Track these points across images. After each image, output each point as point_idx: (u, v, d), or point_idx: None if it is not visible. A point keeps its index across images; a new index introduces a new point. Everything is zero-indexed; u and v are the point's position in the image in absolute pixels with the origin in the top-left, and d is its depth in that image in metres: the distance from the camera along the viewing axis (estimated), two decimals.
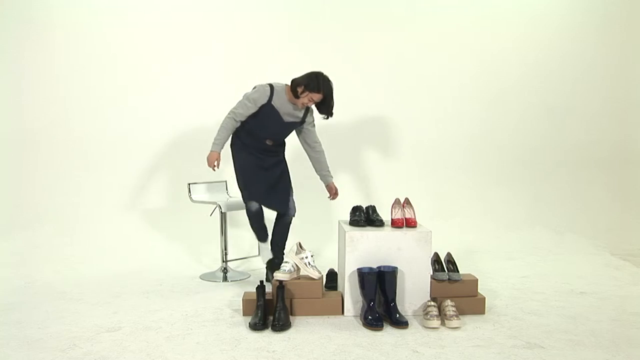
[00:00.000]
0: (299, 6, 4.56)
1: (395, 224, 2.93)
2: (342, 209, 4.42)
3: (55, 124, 4.45)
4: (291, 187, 3.43)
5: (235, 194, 3.79)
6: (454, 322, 2.61)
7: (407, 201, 3.06)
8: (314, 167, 3.43)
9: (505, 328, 2.62)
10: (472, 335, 2.52)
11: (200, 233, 4.25)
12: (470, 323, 2.69)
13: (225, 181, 4.00)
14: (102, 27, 4.44)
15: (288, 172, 3.43)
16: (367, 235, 2.83)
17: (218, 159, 3.19)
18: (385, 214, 3.18)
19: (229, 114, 3.19)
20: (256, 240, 3.79)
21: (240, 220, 4.42)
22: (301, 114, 3.27)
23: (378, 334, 2.55)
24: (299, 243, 2.99)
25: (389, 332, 2.57)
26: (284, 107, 3.20)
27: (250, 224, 3.35)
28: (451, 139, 4.75)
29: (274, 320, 2.60)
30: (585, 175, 4.84)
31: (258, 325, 2.59)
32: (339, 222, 3.16)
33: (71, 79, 4.45)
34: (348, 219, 3.11)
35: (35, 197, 4.43)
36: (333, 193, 3.44)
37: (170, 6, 4.48)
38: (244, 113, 3.17)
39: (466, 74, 4.72)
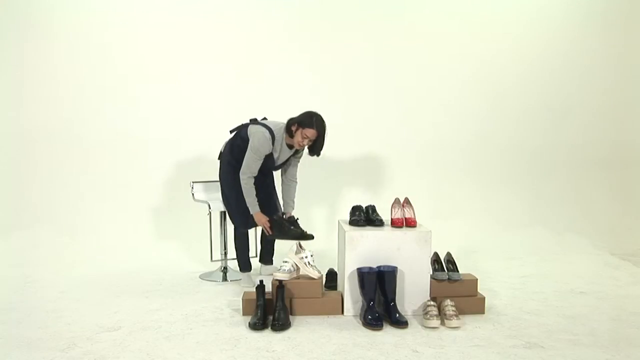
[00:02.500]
0: (298, 7, 4.56)
1: (395, 223, 2.93)
2: (342, 209, 4.42)
3: (55, 123, 4.45)
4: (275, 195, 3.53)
5: None
6: (454, 322, 2.61)
7: (407, 201, 3.06)
8: (282, 193, 3.47)
9: (505, 328, 2.62)
10: (472, 335, 2.52)
11: (201, 233, 4.24)
12: (470, 323, 2.69)
13: None
14: (102, 26, 4.44)
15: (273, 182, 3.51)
16: (367, 235, 2.83)
17: (265, 218, 3.20)
18: (385, 213, 3.18)
19: (243, 175, 3.17)
20: (256, 241, 3.80)
21: None
22: (292, 151, 3.33)
23: (378, 333, 2.55)
24: (299, 243, 2.99)
25: (388, 332, 2.57)
26: (282, 152, 3.27)
27: (236, 245, 3.44)
28: (451, 139, 4.74)
29: (273, 320, 2.61)
30: (585, 175, 4.84)
31: (258, 325, 2.59)
32: (338, 222, 3.16)
33: (71, 79, 4.45)
34: (348, 218, 3.11)
35: (35, 197, 4.43)
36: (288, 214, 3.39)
37: (170, 6, 4.48)
38: (258, 167, 3.18)
39: (466, 74, 4.72)
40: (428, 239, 2.83)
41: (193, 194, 3.77)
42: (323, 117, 3.15)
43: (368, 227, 2.93)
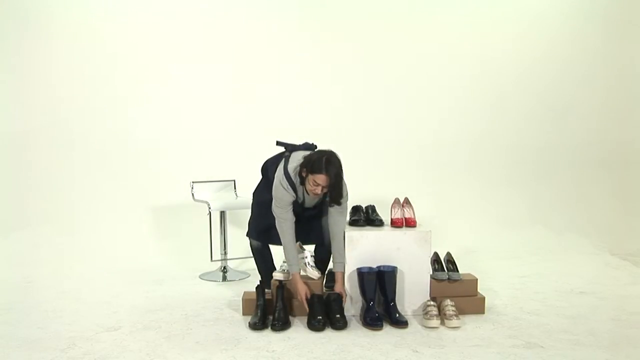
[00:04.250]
0: (301, 9, 4.56)
1: (395, 223, 2.93)
2: None
3: (55, 124, 4.44)
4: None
5: (243, 194, 3.79)
6: (454, 322, 2.61)
7: (406, 201, 3.07)
8: None
9: (505, 328, 2.62)
10: (472, 335, 2.52)
11: (201, 233, 4.24)
12: (469, 323, 2.69)
13: (234, 180, 3.97)
14: (102, 26, 4.43)
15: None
16: (367, 235, 2.83)
17: (305, 289, 2.73)
18: (385, 213, 3.18)
19: (280, 222, 2.74)
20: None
21: (241, 220, 4.41)
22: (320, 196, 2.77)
23: (378, 333, 2.55)
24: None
25: (388, 332, 2.57)
26: (306, 196, 2.81)
27: (255, 263, 3.11)
28: (451, 139, 4.74)
29: (273, 320, 2.61)
30: (585, 175, 4.83)
31: (258, 325, 2.59)
32: None
33: (71, 79, 4.44)
34: (348, 218, 3.10)
35: (35, 197, 4.42)
36: (337, 285, 2.80)
37: (171, 6, 4.47)
38: (288, 212, 2.74)
39: (467, 74, 4.71)
40: (428, 239, 2.83)
41: (193, 194, 3.77)
42: (338, 155, 2.68)
43: (368, 227, 2.93)
